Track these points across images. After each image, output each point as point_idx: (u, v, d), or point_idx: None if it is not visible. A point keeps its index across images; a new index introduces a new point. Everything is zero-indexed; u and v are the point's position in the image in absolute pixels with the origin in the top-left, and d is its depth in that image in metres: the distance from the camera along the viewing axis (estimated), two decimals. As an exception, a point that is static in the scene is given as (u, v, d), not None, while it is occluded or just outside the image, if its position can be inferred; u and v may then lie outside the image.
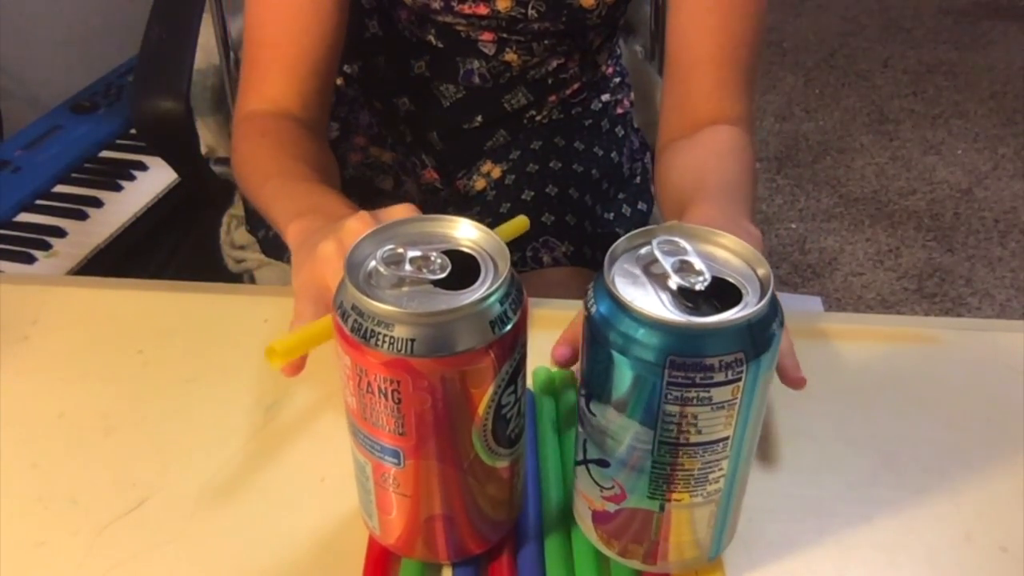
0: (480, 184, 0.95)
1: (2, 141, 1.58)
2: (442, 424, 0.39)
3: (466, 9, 0.83)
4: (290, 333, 0.49)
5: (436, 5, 0.82)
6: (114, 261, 1.26)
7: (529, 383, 0.58)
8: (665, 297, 0.38)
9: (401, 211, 0.53)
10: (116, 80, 1.59)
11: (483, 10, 0.83)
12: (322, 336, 0.48)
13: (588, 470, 0.43)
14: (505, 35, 0.86)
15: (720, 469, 0.41)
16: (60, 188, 1.36)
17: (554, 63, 0.91)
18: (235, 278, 1.01)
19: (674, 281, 0.38)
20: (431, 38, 0.87)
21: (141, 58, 1.04)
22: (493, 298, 0.38)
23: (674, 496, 0.41)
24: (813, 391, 0.58)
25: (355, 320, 0.38)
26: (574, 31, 0.88)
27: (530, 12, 0.82)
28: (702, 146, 0.73)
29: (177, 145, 1.06)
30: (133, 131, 1.45)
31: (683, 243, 0.40)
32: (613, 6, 0.85)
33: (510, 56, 0.87)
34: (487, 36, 0.86)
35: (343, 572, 0.47)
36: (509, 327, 0.38)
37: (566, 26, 0.86)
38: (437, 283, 0.39)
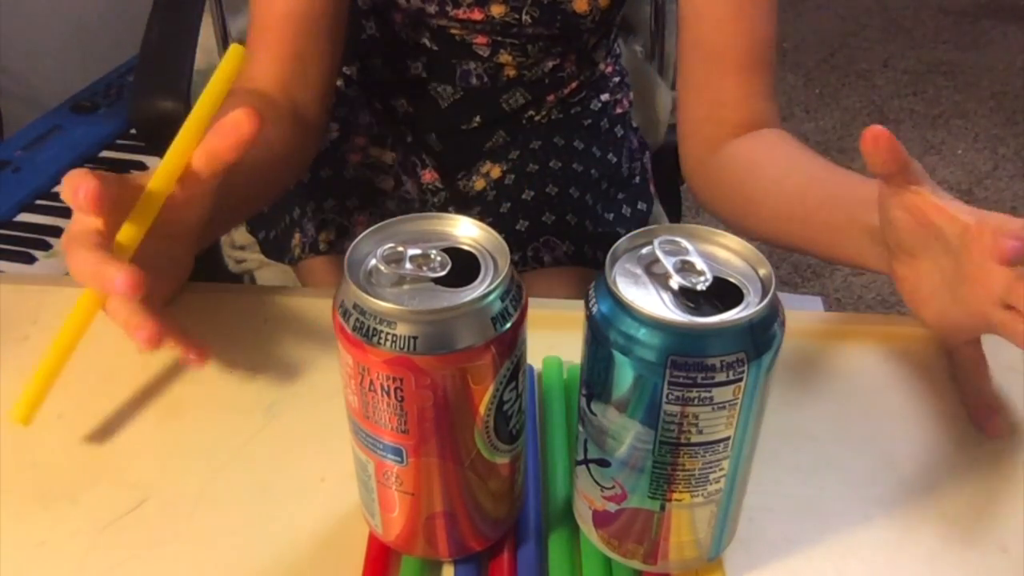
0: (480, 184, 0.95)
1: (2, 141, 1.58)
2: (444, 421, 0.39)
3: (461, 14, 0.82)
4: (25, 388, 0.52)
5: (431, 9, 0.82)
6: (114, 261, 1.25)
7: (538, 376, 0.58)
8: (666, 297, 0.38)
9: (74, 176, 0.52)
10: (116, 80, 1.59)
11: (478, 15, 0.83)
12: (55, 371, 0.53)
13: (589, 470, 0.43)
14: (499, 38, 0.86)
15: (721, 469, 0.41)
16: (60, 188, 1.36)
17: (550, 63, 0.90)
18: (235, 278, 1.01)
19: (675, 281, 0.38)
20: (425, 41, 0.87)
21: (141, 58, 1.04)
22: (494, 295, 0.38)
23: (675, 496, 0.41)
24: (813, 391, 0.58)
25: (357, 319, 0.38)
26: (568, 34, 0.88)
27: (524, 18, 0.82)
28: (770, 145, 0.72)
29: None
30: (133, 131, 1.45)
31: (684, 243, 0.40)
32: (607, 10, 0.84)
33: (504, 58, 0.87)
34: (481, 39, 0.86)
35: (343, 571, 0.47)
36: (510, 324, 0.39)
37: (560, 31, 0.86)
38: (437, 281, 0.39)
